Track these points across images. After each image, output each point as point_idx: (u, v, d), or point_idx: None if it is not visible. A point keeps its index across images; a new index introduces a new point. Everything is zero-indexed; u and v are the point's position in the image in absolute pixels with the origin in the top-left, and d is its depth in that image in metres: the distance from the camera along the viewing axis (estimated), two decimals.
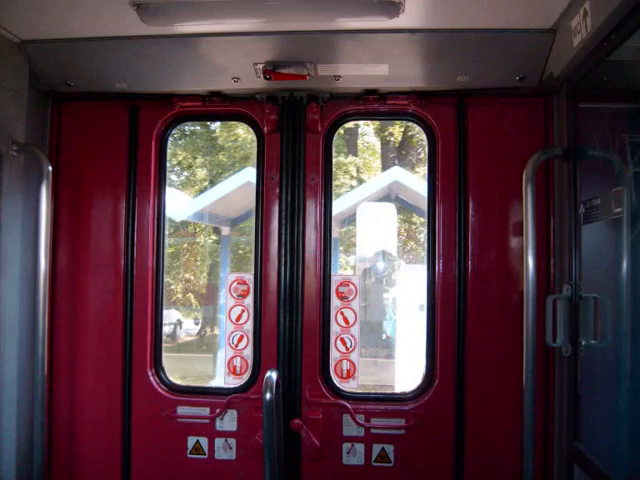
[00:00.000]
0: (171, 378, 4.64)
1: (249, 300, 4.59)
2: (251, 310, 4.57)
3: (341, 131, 14.05)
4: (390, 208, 11.38)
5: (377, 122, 14.81)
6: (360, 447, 4.41)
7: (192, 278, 16.62)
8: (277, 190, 4.49)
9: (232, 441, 4.48)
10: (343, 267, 13.69)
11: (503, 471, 4.28)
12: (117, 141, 4.59)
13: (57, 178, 4.53)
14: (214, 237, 16.27)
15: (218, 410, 4.46)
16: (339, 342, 4.53)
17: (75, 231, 4.62)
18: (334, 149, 4.71)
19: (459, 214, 4.38)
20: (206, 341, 15.61)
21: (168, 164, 4.84)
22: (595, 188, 3.61)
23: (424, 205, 4.61)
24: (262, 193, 4.54)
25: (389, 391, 12.03)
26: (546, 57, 3.91)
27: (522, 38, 3.81)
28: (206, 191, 15.12)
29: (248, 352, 4.58)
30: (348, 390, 4.50)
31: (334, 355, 4.54)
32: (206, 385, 10.62)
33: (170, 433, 4.50)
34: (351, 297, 4.55)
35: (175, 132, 6.39)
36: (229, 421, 4.48)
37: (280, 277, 4.45)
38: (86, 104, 4.63)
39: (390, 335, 11.98)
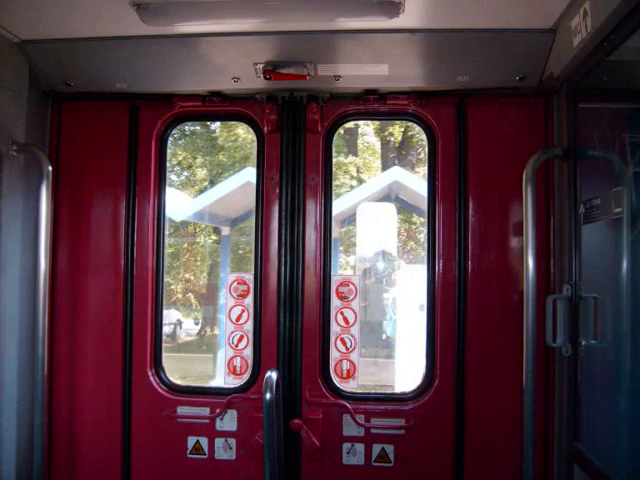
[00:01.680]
0: (171, 378, 4.64)
1: (249, 300, 4.59)
2: (251, 310, 4.57)
3: (341, 131, 14.05)
4: (390, 208, 11.37)
5: (377, 122, 14.80)
6: (360, 447, 4.41)
7: (192, 278, 16.61)
8: (277, 190, 4.49)
9: (232, 441, 4.48)
10: (343, 267, 13.68)
11: (503, 471, 4.28)
12: (117, 141, 4.59)
13: (57, 178, 4.53)
14: (214, 237, 16.26)
15: (218, 410, 4.46)
16: (339, 342, 4.53)
17: (75, 231, 4.62)
18: (334, 149, 4.71)
19: (459, 214, 4.38)
20: (206, 341, 15.60)
21: (168, 164, 4.84)
22: (595, 188, 3.61)
23: (424, 205, 4.61)
24: (262, 193, 4.54)
25: (389, 391, 12.02)
26: (546, 57, 3.91)
27: (522, 38, 3.81)
28: (206, 191, 15.11)
29: (248, 352, 4.58)
30: (348, 390, 4.50)
31: (334, 355, 4.54)
32: (206, 385, 10.61)
33: (170, 433, 4.50)
34: (351, 297, 4.55)
35: (175, 132, 6.39)
36: (229, 421, 4.48)
37: (280, 277, 4.45)
38: (86, 104, 4.63)
39: (390, 335, 11.97)
